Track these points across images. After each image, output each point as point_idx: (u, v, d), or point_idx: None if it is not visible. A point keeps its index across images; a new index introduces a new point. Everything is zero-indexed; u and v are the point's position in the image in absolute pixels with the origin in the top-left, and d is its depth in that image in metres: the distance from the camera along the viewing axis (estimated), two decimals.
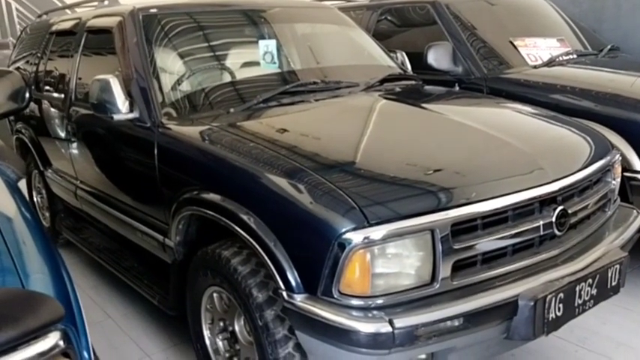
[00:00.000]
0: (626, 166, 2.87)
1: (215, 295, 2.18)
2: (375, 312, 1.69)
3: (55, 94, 3.42)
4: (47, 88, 3.60)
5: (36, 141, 3.79)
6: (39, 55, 3.84)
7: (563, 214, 1.96)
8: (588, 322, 2.66)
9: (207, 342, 2.28)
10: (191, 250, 2.31)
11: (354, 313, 1.69)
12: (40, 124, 3.68)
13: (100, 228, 3.36)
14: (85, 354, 1.35)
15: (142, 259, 2.86)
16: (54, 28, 3.73)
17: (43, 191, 3.95)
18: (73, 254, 3.80)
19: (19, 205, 1.54)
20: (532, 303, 1.77)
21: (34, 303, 1.12)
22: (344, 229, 1.67)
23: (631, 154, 2.96)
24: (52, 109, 3.45)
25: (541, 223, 1.91)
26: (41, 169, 3.77)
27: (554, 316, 1.85)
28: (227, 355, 2.20)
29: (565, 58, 3.79)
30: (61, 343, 1.14)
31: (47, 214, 3.99)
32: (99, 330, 2.89)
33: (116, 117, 2.47)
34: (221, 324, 2.21)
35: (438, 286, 1.74)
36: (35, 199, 4.19)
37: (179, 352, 2.67)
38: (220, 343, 2.23)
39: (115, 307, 3.11)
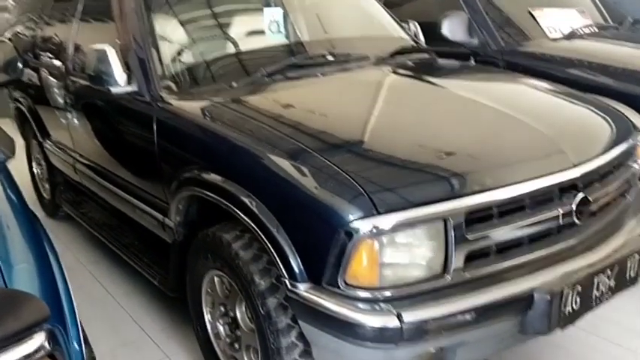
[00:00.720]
0: None
1: (216, 279, 2.11)
2: (382, 305, 1.60)
3: (53, 63, 3.30)
4: (45, 55, 3.47)
5: (34, 110, 3.68)
6: (37, 20, 3.70)
7: (584, 202, 1.85)
8: (600, 309, 2.57)
9: (208, 326, 2.22)
10: (192, 230, 2.22)
11: (361, 305, 1.60)
12: (38, 93, 3.56)
13: (100, 203, 3.28)
14: (76, 345, 1.28)
15: (143, 236, 2.79)
16: None
17: (43, 162, 3.86)
18: (74, 228, 3.74)
19: (4, 187, 1.46)
20: (548, 297, 1.68)
21: (16, 303, 1.04)
22: (351, 217, 1.58)
23: None
24: (50, 78, 3.33)
25: (560, 211, 1.80)
26: (40, 139, 3.67)
27: (570, 310, 1.77)
28: (228, 340, 2.14)
29: (585, 31, 3.61)
30: (47, 344, 1.08)
31: (47, 186, 3.92)
32: (99, 307, 2.84)
33: (113, 90, 2.35)
34: (222, 309, 2.13)
35: (449, 277, 1.65)
36: (35, 170, 4.11)
37: (180, 332, 2.61)
38: (221, 328, 2.16)
39: (116, 284, 3.06)
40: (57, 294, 1.22)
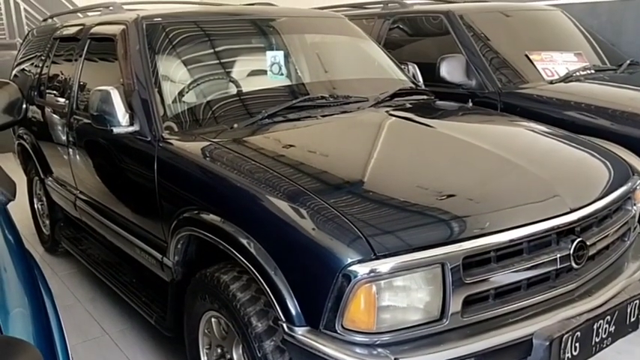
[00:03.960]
0: None
1: (213, 320, 2.09)
2: (380, 350, 1.59)
3: (57, 101, 3.35)
4: (49, 94, 3.53)
5: (37, 147, 3.72)
6: (43, 58, 3.78)
7: (582, 246, 1.86)
8: (602, 352, 2.54)
9: None
10: (190, 270, 2.22)
11: (358, 350, 1.59)
12: (41, 130, 3.61)
13: (99, 240, 3.28)
14: None
15: (141, 274, 2.78)
16: (58, 33, 3.66)
17: (44, 199, 3.88)
18: (73, 264, 3.73)
19: (3, 229, 1.46)
20: (547, 343, 1.68)
21: (9, 350, 1.03)
22: (349, 261, 1.58)
23: None
24: (54, 116, 3.38)
25: (558, 255, 1.81)
26: (42, 176, 3.70)
27: (570, 356, 1.75)
28: None
29: (582, 73, 3.67)
30: None
31: (47, 222, 3.92)
32: (94, 347, 2.81)
33: (116, 130, 2.38)
34: (219, 350, 2.11)
35: (447, 322, 1.65)
36: (36, 206, 4.12)
37: None
38: None
39: (113, 322, 3.03)
40: (51, 339, 1.21)
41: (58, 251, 3.87)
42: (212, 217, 1.99)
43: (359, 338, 1.60)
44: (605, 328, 1.85)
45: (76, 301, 3.29)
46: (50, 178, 3.61)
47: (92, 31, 3.12)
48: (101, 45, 3.00)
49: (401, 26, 4.31)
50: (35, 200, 4.13)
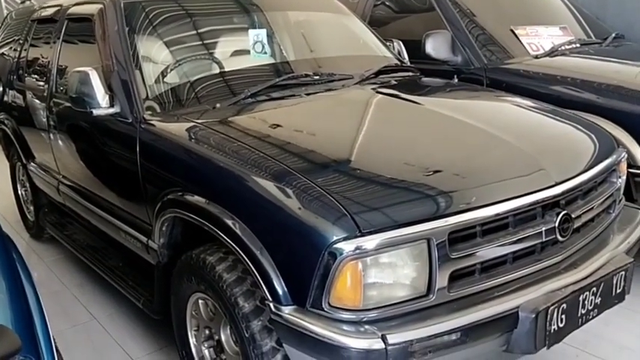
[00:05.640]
0: (631, 162, 2.75)
1: (200, 301, 2.08)
2: (367, 326, 1.59)
3: (36, 85, 3.29)
4: (28, 78, 3.46)
5: (18, 133, 3.66)
6: (21, 42, 3.70)
7: (567, 219, 1.86)
8: (590, 324, 2.55)
9: (193, 349, 2.18)
10: (176, 252, 2.20)
11: (345, 327, 1.59)
12: (22, 115, 3.55)
13: (84, 225, 3.24)
14: None
15: (127, 258, 2.76)
16: (35, 15, 3.58)
17: (27, 184, 3.83)
18: (59, 250, 3.70)
19: None
20: (533, 315, 1.68)
21: None
22: (335, 238, 1.56)
23: (635, 149, 2.85)
24: (34, 100, 3.31)
25: (543, 229, 1.81)
26: (24, 161, 3.64)
27: (556, 328, 1.76)
28: None
29: (567, 47, 3.66)
30: None
31: (31, 208, 3.88)
32: (82, 332, 2.79)
33: (96, 112, 2.34)
34: (207, 332, 2.11)
35: (434, 297, 1.65)
36: (19, 192, 4.07)
37: (165, 356, 2.57)
38: (206, 352, 2.14)
39: (101, 307, 3.01)
40: (31, 323, 1.19)
41: (43, 237, 3.83)
42: (197, 199, 1.96)
43: (346, 315, 1.60)
44: (591, 300, 1.86)
45: (63, 286, 3.27)
46: (33, 164, 3.56)
47: (69, 11, 3.06)
48: (79, 26, 2.94)
49: (386, 3, 4.26)
50: (19, 186, 4.07)
